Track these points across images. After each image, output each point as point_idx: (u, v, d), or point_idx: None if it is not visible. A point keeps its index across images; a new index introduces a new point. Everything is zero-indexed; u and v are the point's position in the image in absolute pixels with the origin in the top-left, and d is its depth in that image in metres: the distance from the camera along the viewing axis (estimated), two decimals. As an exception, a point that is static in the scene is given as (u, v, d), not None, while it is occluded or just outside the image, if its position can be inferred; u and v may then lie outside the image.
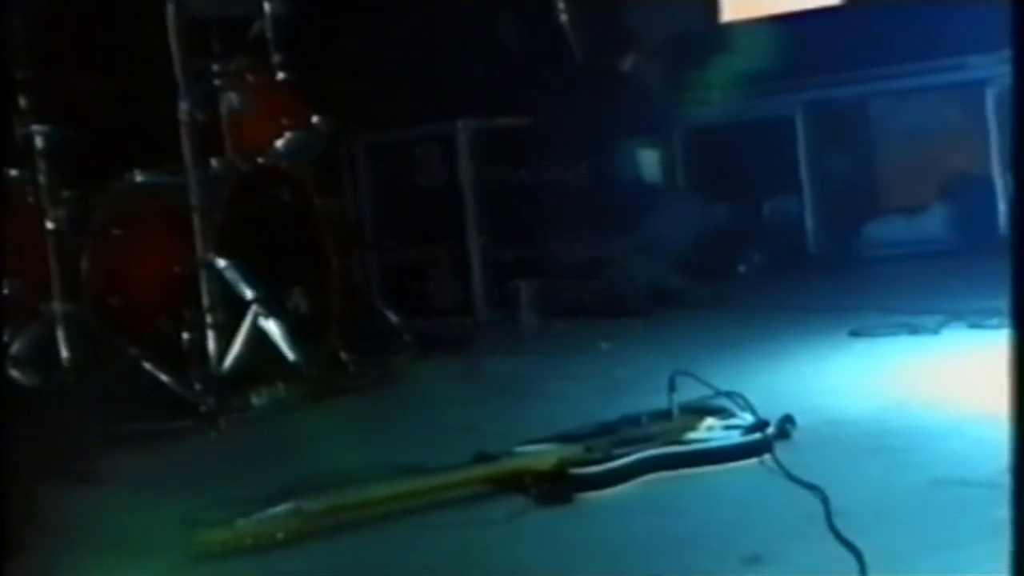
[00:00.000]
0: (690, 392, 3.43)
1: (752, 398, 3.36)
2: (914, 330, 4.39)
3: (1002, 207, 6.16)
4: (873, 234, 6.85)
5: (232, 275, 4.53)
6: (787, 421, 3.22)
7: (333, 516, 2.90)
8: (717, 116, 6.67)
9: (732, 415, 3.31)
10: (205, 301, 4.47)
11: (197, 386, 4.33)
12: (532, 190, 6.04)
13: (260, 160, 4.91)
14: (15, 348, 4.30)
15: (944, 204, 6.67)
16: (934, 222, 6.71)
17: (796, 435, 3.20)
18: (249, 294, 4.51)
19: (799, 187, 6.78)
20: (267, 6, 5.10)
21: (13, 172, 4.57)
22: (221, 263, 4.52)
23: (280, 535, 2.79)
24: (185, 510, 2.99)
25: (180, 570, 2.72)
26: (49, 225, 4.45)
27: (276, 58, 5.09)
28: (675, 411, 3.33)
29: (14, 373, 4.23)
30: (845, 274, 6.19)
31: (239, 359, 4.41)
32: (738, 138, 6.77)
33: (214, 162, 4.78)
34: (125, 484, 3.62)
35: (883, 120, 7.20)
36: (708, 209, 6.49)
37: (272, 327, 4.49)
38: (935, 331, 4.36)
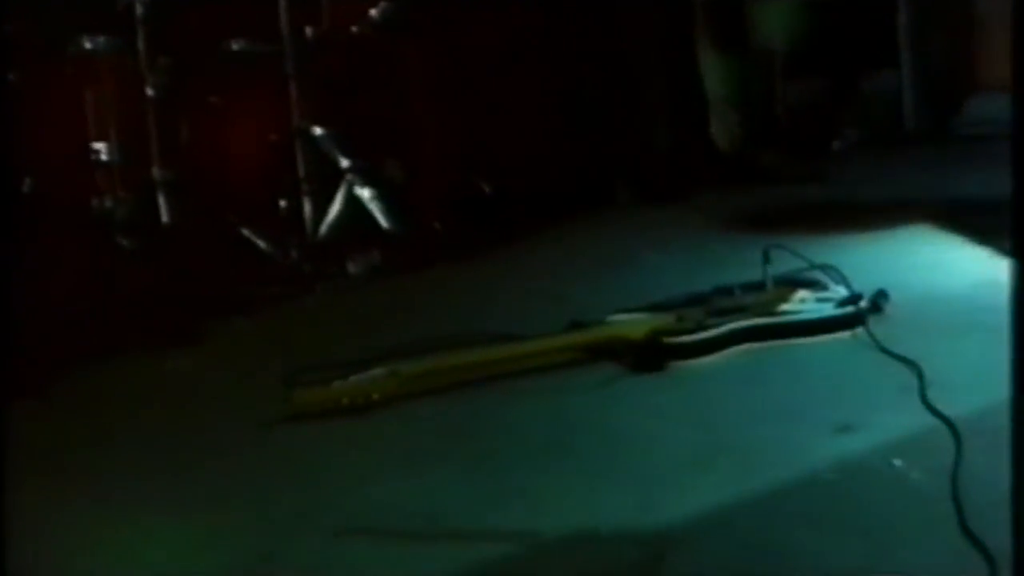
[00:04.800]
0: (784, 265, 3.43)
1: (846, 272, 3.34)
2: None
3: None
4: (973, 111, 6.71)
5: (327, 144, 4.56)
6: (881, 296, 3.21)
7: (428, 380, 2.96)
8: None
9: (825, 288, 3.31)
10: (301, 169, 4.52)
11: (293, 252, 4.40)
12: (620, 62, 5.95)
13: (355, 29, 4.91)
14: (118, 213, 4.37)
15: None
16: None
17: (889, 309, 3.19)
18: (344, 162, 4.55)
19: (897, 62, 6.65)
20: None
21: (113, 39, 4.60)
22: (317, 131, 4.56)
23: (376, 396, 2.85)
24: (283, 372, 3.05)
25: (279, 428, 2.79)
26: (148, 92, 4.49)
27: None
28: (768, 283, 3.34)
29: (118, 237, 4.30)
30: (943, 151, 6.09)
31: (334, 226, 4.47)
32: (837, 11, 6.63)
33: (309, 31, 4.79)
34: (224, 347, 3.70)
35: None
36: (805, 84, 6.39)
37: (367, 195, 4.53)
38: (1034, 209, 4.28)
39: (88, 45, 4.50)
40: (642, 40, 5.65)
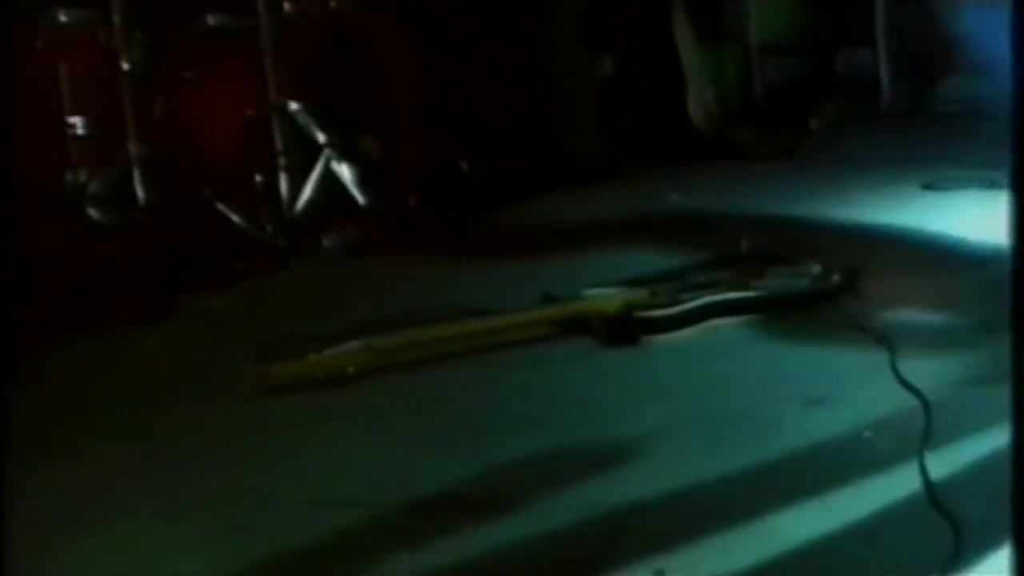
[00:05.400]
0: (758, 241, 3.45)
1: (820, 248, 3.36)
2: (986, 184, 4.34)
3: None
4: (949, 88, 6.73)
5: (304, 119, 4.56)
6: (854, 270, 3.22)
7: (403, 353, 2.96)
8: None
9: (799, 263, 3.32)
10: (277, 144, 4.51)
11: (269, 227, 4.40)
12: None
13: (331, 3, 4.89)
14: (93, 187, 4.36)
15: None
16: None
17: (863, 284, 3.20)
18: (321, 138, 4.55)
19: (874, 40, 6.66)
20: None
21: (88, 13, 4.58)
22: (293, 107, 4.55)
23: (351, 370, 2.86)
24: (258, 346, 3.06)
25: (255, 402, 2.80)
26: (124, 67, 4.48)
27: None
28: (742, 258, 3.34)
29: (92, 212, 4.30)
30: (919, 128, 6.11)
31: (310, 202, 4.47)
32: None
33: (286, 5, 4.77)
34: (199, 321, 3.69)
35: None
36: (782, 61, 6.40)
37: (343, 171, 4.53)
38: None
39: (63, 18, 4.49)
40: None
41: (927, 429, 2.15)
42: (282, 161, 4.53)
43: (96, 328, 3.56)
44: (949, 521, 1.76)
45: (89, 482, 2.42)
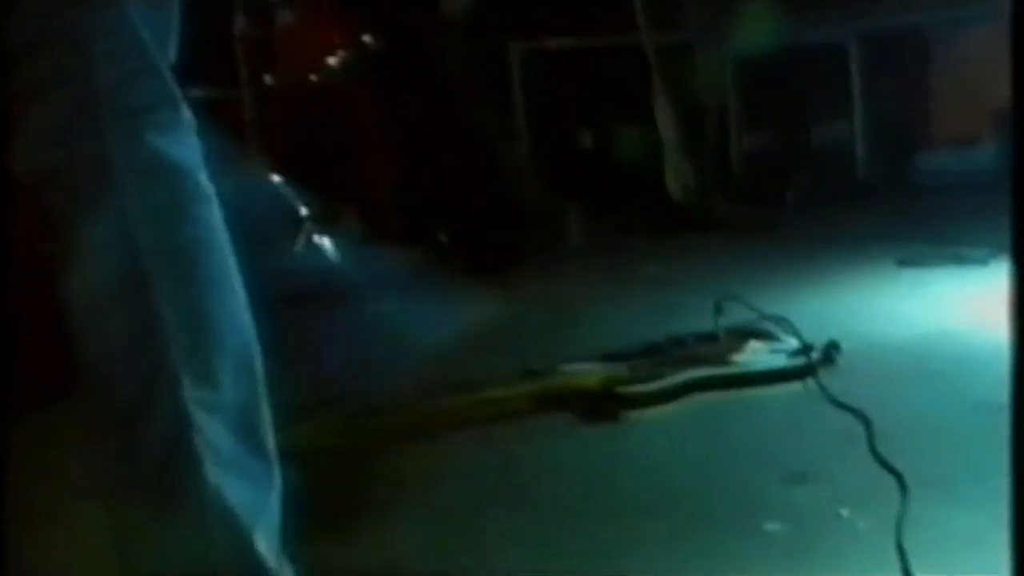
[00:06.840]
0: (737, 316, 3.46)
1: (798, 323, 3.38)
2: (962, 260, 4.38)
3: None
4: (924, 164, 6.80)
5: (286, 191, 4.59)
6: (832, 346, 3.24)
7: (381, 428, 2.96)
8: (770, 41, 6.61)
9: (777, 339, 3.34)
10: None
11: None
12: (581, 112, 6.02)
13: (313, 77, 4.94)
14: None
15: (997, 135, 6.62)
16: (987, 153, 6.66)
17: (841, 360, 3.22)
18: (303, 210, 4.57)
19: (851, 115, 6.73)
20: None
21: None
22: (275, 179, 4.58)
23: (329, 443, 2.85)
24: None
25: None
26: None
27: (330, -24, 5.10)
28: (720, 333, 3.37)
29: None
30: (894, 203, 6.17)
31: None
32: (790, 64, 6.72)
33: (267, 78, 4.81)
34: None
35: (938, 49, 7.12)
36: (759, 134, 6.47)
37: (326, 243, 4.55)
38: (983, 262, 4.33)
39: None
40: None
41: (903, 506, 2.16)
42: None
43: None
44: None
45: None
